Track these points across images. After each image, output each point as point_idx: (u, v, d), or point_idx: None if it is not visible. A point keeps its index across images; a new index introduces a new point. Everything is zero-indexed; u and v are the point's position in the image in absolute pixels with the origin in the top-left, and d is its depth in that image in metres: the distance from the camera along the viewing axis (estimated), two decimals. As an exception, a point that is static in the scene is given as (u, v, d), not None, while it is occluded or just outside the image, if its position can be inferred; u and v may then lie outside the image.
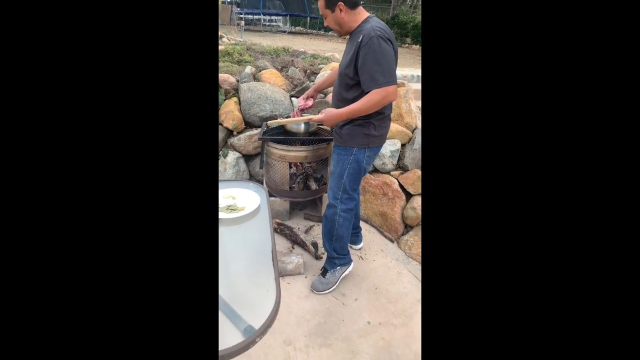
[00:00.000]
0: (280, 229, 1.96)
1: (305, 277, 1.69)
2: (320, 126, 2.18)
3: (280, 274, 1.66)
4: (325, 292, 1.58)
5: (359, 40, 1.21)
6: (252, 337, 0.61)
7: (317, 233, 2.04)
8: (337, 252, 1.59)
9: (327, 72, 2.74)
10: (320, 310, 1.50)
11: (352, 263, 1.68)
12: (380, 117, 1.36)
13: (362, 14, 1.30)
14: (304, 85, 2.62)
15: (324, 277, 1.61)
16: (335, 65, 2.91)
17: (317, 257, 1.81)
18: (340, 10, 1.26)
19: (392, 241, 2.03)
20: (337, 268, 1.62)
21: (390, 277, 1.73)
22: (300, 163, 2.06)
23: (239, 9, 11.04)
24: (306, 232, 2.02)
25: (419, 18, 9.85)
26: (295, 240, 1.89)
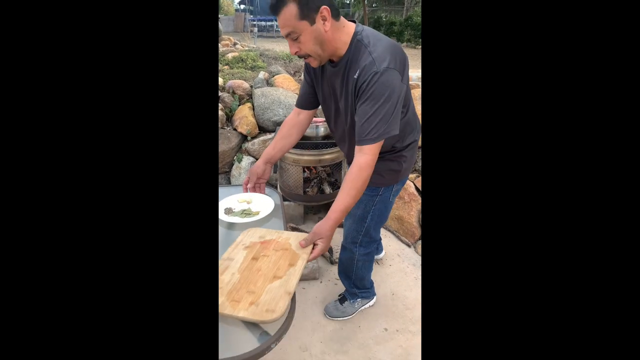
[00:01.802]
0: (294, 233, 1.96)
1: (321, 282, 1.67)
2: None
3: (295, 278, 1.65)
4: (337, 319, 1.45)
5: (355, 77, 0.83)
6: (268, 343, 0.61)
7: (331, 237, 2.03)
8: (358, 288, 1.43)
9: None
10: (335, 315, 1.48)
11: (375, 297, 1.51)
12: (410, 147, 1.07)
13: (348, 28, 0.86)
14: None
15: (341, 304, 1.46)
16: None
17: (332, 262, 1.79)
18: (324, 20, 0.80)
19: (408, 246, 1.99)
20: (358, 300, 1.47)
21: (407, 282, 1.69)
22: (314, 167, 2.06)
23: (252, 16, 11.24)
24: (321, 236, 2.01)
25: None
26: (310, 245, 1.88)
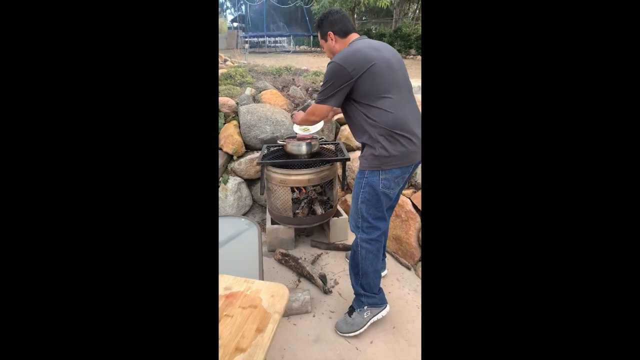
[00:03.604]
0: (284, 261, 1.80)
1: (314, 316, 1.51)
2: (323, 145, 2.05)
3: (285, 313, 1.49)
4: (349, 334, 1.37)
5: None
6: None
7: (325, 262, 1.87)
8: (364, 289, 1.37)
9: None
10: (331, 357, 1.31)
11: (387, 307, 1.43)
12: (387, 135, 1.21)
13: (350, 39, 1.30)
14: (306, 103, 2.52)
15: (349, 316, 1.40)
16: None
17: (326, 292, 1.63)
18: (332, 40, 1.32)
19: (408, 268, 1.83)
20: (365, 308, 1.39)
21: (408, 312, 1.53)
22: (304, 187, 1.92)
23: (243, 32, 11.36)
24: (313, 262, 1.85)
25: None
26: (302, 273, 1.73)
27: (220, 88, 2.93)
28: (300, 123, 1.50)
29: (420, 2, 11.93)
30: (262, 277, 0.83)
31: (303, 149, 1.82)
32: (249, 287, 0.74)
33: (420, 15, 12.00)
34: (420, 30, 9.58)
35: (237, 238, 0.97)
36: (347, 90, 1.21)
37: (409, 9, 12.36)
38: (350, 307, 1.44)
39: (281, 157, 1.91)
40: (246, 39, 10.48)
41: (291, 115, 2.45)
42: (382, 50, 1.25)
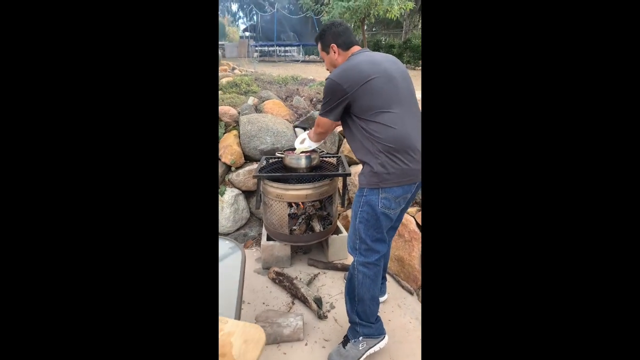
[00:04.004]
0: (278, 280, 1.70)
1: (306, 345, 1.40)
2: (323, 159, 1.96)
3: (275, 340, 1.38)
4: None
5: None
6: None
7: (322, 283, 1.76)
8: (359, 317, 1.26)
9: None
10: (321, 393, 1.20)
11: (386, 337, 1.32)
12: (387, 151, 1.13)
13: (351, 52, 1.26)
14: (309, 114, 2.44)
15: (343, 347, 1.29)
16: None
17: (321, 317, 1.52)
18: (334, 52, 1.27)
19: (411, 293, 1.71)
20: (361, 339, 1.27)
21: (409, 344, 1.40)
22: (302, 202, 1.83)
23: (254, 42, 11.52)
24: (309, 282, 1.74)
25: (432, 41, 9.76)
26: (296, 295, 1.62)
27: (224, 97, 2.89)
28: (313, 139, 1.46)
29: (430, 15, 11.94)
30: (238, 315, 0.73)
31: (302, 162, 1.74)
32: (220, 329, 0.65)
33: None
34: (430, 42, 9.49)
35: (218, 264, 0.88)
36: (343, 106, 1.18)
37: (418, 20, 12.39)
38: (345, 336, 1.33)
39: (279, 170, 1.83)
40: (257, 48, 10.61)
41: (293, 127, 2.38)
42: (383, 63, 1.18)
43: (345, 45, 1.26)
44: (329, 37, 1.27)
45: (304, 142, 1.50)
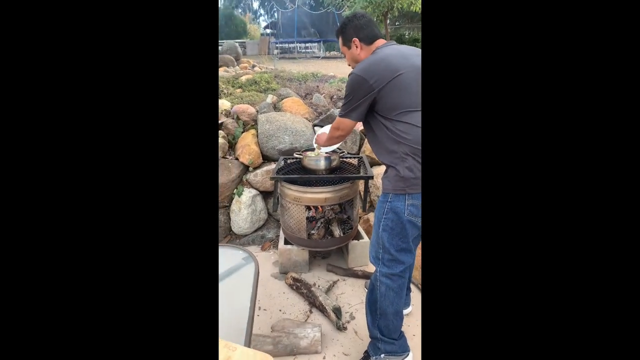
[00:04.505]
0: (296, 287, 1.63)
1: (324, 358, 1.32)
2: (344, 159, 1.87)
3: (292, 352, 1.31)
4: None
5: None
6: None
7: (341, 292, 1.68)
8: (381, 333, 1.17)
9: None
10: (339, 414, 1.11)
11: (410, 355, 1.22)
12: (412, 154, 1.03)
13: (375, 46, 1.15)
14: (329, 112, 2.35)
15: None
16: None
17: (340, 328, 1.44)
18: (356, 47, 1.16)
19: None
20: (382, 356, 1.18)
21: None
22: (321, 206, 1.75)
23: (274, 39, 11.54)
24: (328, 290, 1.66)
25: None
26: (314, 303, 1.54)
27: (243, 94, 2.85)
28: (326, 143, 1.34)
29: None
30: (248, 341, 0.66)
31: (321, 163, 1.65)
32: (227, 357, 0.58)
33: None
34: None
35: (229, 278, 0.81)
36: (368, 104, 1.07)
37: (444, 13, 11.89)
38: (365, 352, 1.24)
39: (297, 172, 1.75)
40: (277, 45, 10.61)
41: (313, 126, 2.30)
42: (412, 57, 1.07)
43: (369, 39, 1.15)
44: (350, 30, 1.16)
45: (320, 147, 1.44)
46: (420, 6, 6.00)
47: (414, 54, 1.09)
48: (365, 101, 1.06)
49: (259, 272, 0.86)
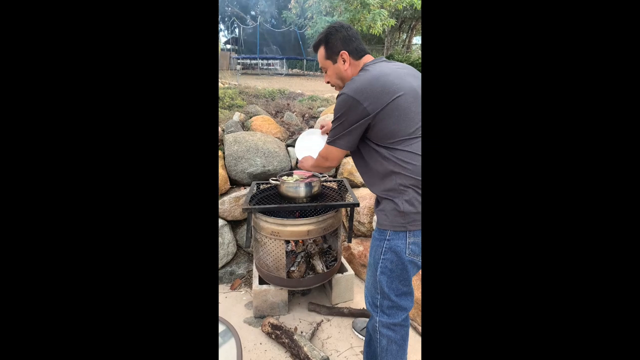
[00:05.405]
0: (275, 335, 1.39)
1: None
2: (325, 183, 1.71)
3: None
4: None
5: None
6: None
7: (327, 335, 1.47)
8: None
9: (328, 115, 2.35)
10: None
11: None
12: (413, 186, 0.90)
13: (364, 62, 1.01)
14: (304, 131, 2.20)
15: None
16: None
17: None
18: (344, 61, 1.00)
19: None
20: None
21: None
22: (302, 239, 1.55)
23: (236, 54, 11.34)
24: (312, 335, 1.45)
25: (413, 56, 9.98)
26: (298, 355, 1.32)
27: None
28: (311, 169, 1.19)
29: (409, 32, 12.33)
30: None
31: (301, 190, 1.47)
32: None
33: (408, 43, 12.37)
34: (411, 57, 9.74)
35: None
36: (362, 130, 0.93)
37: (399, 37, 12.68)
38: None
39: (273, 200, 1.55)
40: (239, 60, 10.40)
41: (286, 147, 2.12)
42: (407, 76, 0.94)
43: (357, 54, 1.00)
44: (338, 42, 0.99)
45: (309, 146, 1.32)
46: (378, 30, 6.25)
47: (409, 73, 0.98)
48: (358, 127, 0.92)
49: (242, 350, 0.64)
